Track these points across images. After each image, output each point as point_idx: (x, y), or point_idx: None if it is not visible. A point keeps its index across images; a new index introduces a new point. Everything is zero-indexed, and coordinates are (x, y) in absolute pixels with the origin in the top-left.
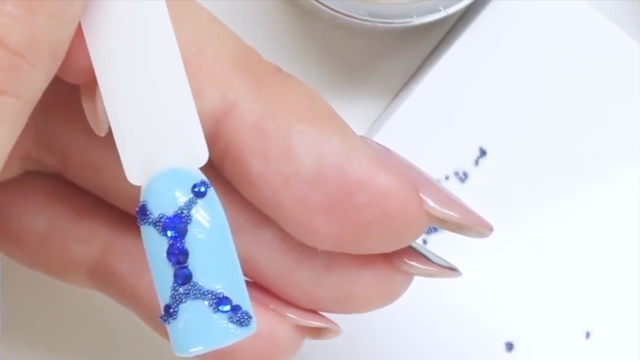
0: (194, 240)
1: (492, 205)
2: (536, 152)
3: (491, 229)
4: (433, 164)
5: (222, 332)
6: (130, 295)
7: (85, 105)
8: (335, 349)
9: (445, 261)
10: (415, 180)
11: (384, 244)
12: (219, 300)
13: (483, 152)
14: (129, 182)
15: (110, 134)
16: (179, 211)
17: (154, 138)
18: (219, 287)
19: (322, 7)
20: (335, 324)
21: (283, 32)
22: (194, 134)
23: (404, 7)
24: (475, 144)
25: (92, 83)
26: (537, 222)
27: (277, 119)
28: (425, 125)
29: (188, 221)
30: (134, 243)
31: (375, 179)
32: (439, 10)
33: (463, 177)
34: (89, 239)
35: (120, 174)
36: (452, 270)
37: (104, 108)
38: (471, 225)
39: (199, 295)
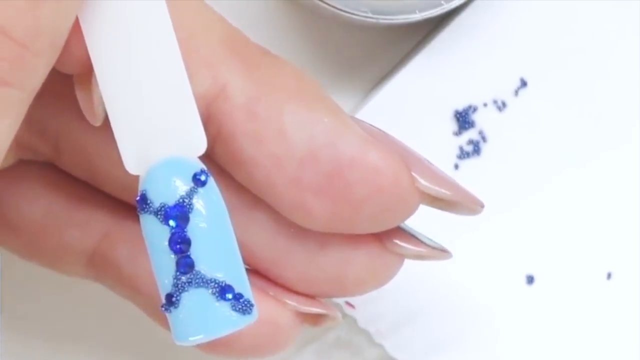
0: (195, 229)
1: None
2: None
3: (482, 205)
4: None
5: (224, 320)
6: (128, 283)
7: (80, 96)
8: None
9: (435, 242)
10: (406, 159)
11: (376, 223)
12: (222, 289)
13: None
14: (123, 170)
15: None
16: (180, 200)
17: (152, 127)
18: (221, 276)
19: (323, 4)
20: (335, 311)
21: (284, 31)
22: (192, 122)
23: (406, 3)
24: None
25: (87, 73)
26: (565, 168)
27: (269, 100)
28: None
29: (190, 210)
30: (131, 230)
31: (367, 157)
32: (441, 5)
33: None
34: (87, 226)
35: (112, 161)
36: (442, 251)
37: (100, 98)
38: (462, 202)
39: (201, 284)
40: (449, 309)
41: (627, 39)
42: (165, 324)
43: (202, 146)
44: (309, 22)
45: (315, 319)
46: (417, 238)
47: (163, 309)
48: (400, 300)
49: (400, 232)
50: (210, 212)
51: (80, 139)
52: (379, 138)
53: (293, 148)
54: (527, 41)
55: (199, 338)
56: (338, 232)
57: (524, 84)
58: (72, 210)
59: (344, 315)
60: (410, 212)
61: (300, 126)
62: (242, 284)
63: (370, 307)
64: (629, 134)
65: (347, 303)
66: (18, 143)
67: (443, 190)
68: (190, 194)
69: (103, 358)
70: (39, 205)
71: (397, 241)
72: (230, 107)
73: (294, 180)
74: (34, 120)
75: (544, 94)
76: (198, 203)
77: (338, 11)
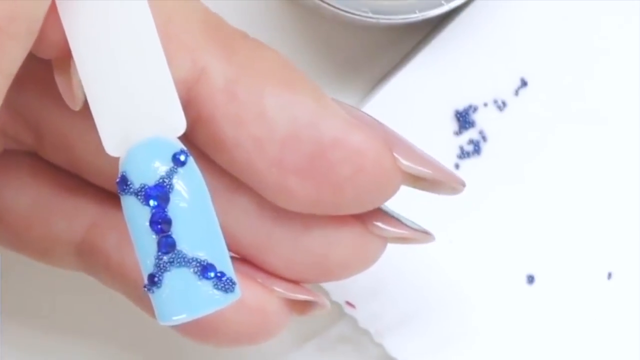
0: (176, 208)
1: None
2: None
3: (464, 184)
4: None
5: (207, 299)
6: (117, 270)
7: (59, 80)
8: None
9: (417, 225)
10: (388, 139)
11: (359, 203)
12: (204, 268)
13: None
14: (104, 156)
15: (82, 108)
16: (160, 180)
17: (131, 109)
18: (203, 255)
19: (323, 4)
20: (322, 298)
21: (284, 31)
22: (171, 103)
23: (406, 3)
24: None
25: (65, 57)
26: (567, 163)
27: (249, 82)
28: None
29: (170, 190)
30: (118, 218)
31: (349, 137)
32: (441, 4)
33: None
34: (74, 216)
35: (94, 148)
36: (424, 234)
37: (79, 82)
38: (444, 181)
39: (183, 263)
40: (450, 309)
41: (627, 39)
42: (152, 312)
43: (181, 126)
44: (309, 22)
45: (303, 306)
46: (399, 220)
47: (146, 289)
48: (400, 300)
49: (383, 214)
50: (191, 191)
51: (62, 127)
52: (360, 119)
53: (274, 129)
54: (528, 41)
55: (182, 317)
56: (321, 214)
57: (524, 83)
58: (58, 200)
59: (345, 315)
60: (392, 191)
61: (281, 108)
62: (224, 262)
63: (371, 307)
64: (630, 133)
65: (348, 303)
66: (1, 132)
67: (425, 170)
68: (170, 174)
69: (103, 355)
70: (26, 195)
71: (379, 223)
72: (210, 90)
73: (275, 162)
74: (16, 109)
75: (544, 94)
76: (178, 183)
77: (338, 11)
